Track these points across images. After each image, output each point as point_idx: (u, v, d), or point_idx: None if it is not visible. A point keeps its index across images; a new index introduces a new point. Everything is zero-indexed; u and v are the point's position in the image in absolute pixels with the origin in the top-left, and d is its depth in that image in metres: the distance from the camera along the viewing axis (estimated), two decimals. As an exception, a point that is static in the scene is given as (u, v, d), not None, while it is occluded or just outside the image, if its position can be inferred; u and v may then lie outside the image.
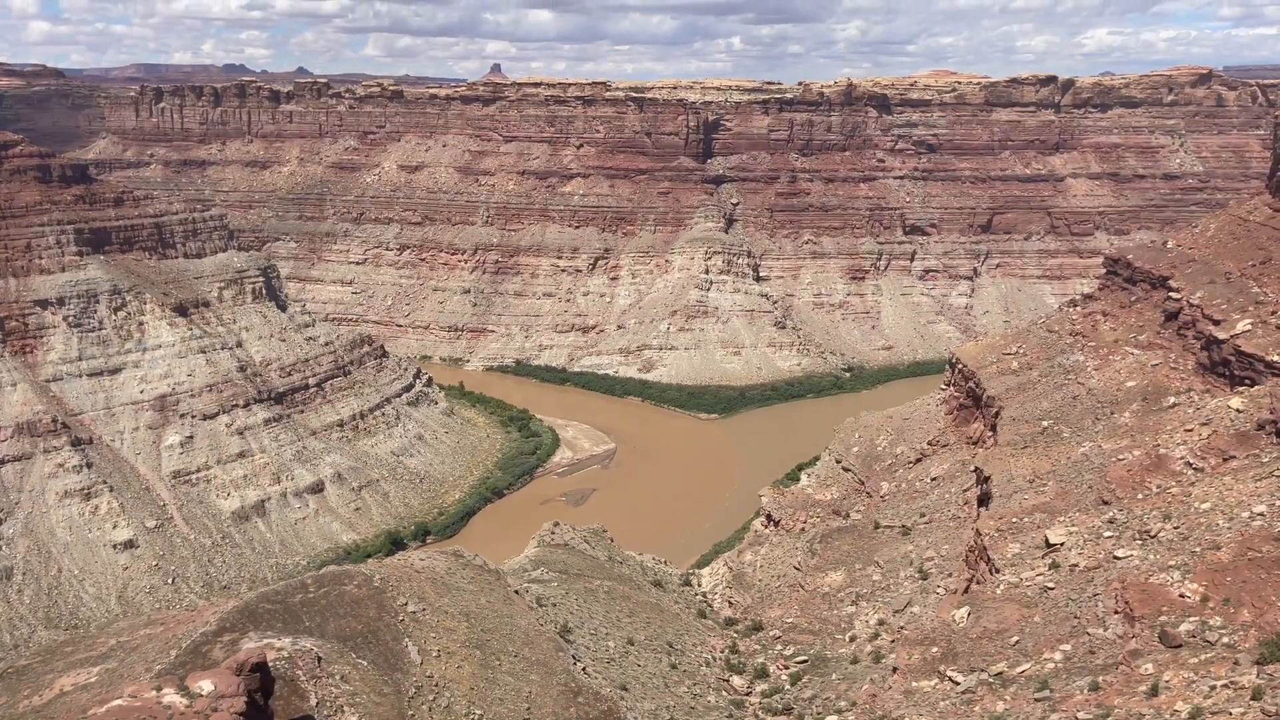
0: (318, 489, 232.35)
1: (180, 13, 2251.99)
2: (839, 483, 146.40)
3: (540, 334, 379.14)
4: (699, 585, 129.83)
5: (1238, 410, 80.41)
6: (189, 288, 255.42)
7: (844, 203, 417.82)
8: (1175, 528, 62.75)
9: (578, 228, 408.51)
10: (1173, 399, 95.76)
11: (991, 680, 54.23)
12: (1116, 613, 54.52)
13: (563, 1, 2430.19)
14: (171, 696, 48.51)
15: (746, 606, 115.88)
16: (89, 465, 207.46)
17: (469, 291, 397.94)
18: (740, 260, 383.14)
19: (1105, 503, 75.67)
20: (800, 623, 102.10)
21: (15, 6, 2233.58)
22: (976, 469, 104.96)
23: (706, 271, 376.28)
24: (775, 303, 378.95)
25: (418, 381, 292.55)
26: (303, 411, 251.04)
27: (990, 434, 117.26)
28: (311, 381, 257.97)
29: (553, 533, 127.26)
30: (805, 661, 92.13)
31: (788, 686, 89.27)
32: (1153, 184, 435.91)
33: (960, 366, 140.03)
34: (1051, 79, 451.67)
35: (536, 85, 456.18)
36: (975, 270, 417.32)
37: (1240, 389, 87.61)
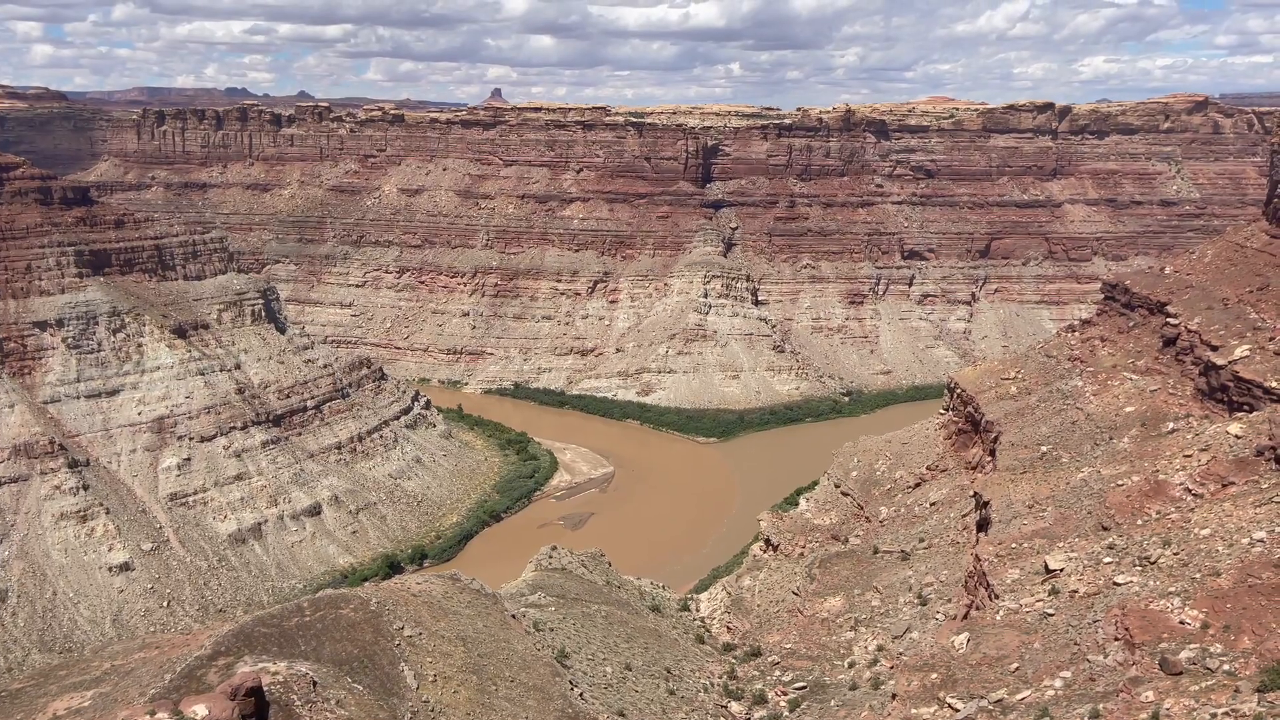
0: (315, 512, 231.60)
1: (183, 37, 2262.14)
2: (838, 507, 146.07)
3: (539, 357, 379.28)
4: (697, 610, 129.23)
5: (1236, 436, 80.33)
6: (188, 310, 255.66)
7: (842, 227, 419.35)
8: (1175, 554, 62.54)
9: (577, 251, 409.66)
10: (1171, 425, 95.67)
11: (991, 707, 53.86)
12: (1117, 639, 54.26)
13: (564, 27, 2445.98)
14: (165, 721, 48.19)
15: (745, 632, 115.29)
16: (86, 487, 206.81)
17: (468, 314, 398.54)
18: (739, 284, 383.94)
19: (1105, 528, 75.45)
20: (799, 648, 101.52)
21: (19, 30, 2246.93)
22: (975, 494, 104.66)
23: (705, 295, 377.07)
24: (774, 326, 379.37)
25: (416, 404, 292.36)
26: (300, 434, 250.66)
27: (989, 459, 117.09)
28: (310, 404, 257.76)
29: (550, 557, 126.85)
30: (804, 688, 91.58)
31: (786, 713, 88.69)
32: (1149, 210, 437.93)
33: (959, 391, 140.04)
34: (1049, 106, 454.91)
35: (537, 110, 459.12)
36: (973, 295, 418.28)
37: (1239, 415, 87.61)
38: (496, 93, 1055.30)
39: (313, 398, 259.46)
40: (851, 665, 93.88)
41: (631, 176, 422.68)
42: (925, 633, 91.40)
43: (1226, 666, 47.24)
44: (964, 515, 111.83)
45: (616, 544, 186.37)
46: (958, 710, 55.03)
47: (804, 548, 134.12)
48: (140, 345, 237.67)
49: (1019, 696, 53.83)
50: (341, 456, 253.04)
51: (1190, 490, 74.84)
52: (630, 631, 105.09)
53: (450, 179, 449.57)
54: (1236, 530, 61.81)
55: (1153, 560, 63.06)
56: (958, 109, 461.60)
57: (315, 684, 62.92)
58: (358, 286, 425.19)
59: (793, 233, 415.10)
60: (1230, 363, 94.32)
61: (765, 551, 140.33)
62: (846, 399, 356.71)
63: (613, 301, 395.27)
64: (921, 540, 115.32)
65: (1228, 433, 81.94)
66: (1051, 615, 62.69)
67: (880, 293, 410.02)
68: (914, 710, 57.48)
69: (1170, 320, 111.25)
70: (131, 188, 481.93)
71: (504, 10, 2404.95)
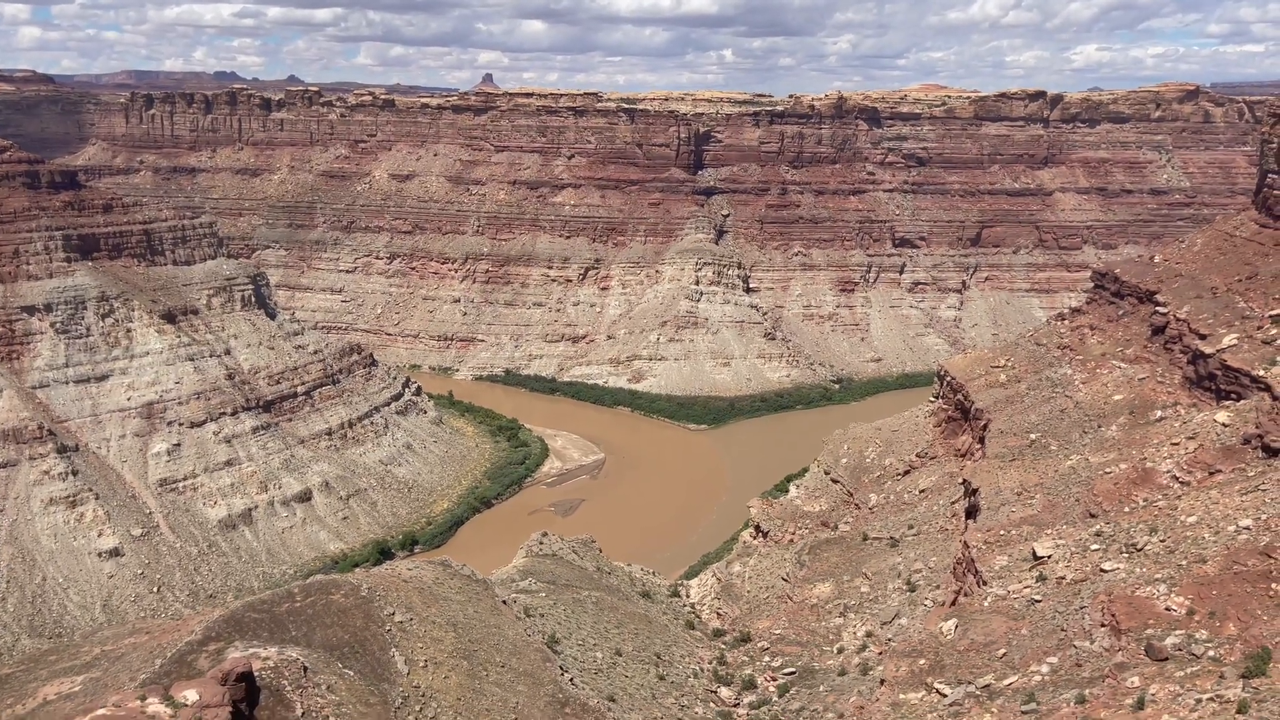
0: (305, 498, 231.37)
1: (172, 20, 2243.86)
2: (828, 494, 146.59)
3: (530, 344, 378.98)
4: (687, 596, 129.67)
5: (1224, 424, 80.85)
6: (178, 295, 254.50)
7: (834, 215, 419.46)
8: (1161, 541, 62.99)
9: (568, 238, 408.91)
10: (1159, 413, 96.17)
11: (979, 693, 54.26)
12: (1103, 625, 54.67)
13: (556, 13, 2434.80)
14: (156, 706, 48.25)
15: (735, 618, 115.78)
16: (75, 472, 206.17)
17: (459, 301, 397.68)
18: (730, 271, 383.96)
19: (1092, 516, 75.92)
20: (788, 634, 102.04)
21: (6, 12, 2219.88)
22: (964, 481, 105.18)
23: (697, 282, 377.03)
24: (765, 314, 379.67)
25: (407, 390, 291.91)
26: (291, 420, 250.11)
27: (978, 446, 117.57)
28: (300, 390, 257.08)
29: (541, 543, 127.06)
30: (793, 673, 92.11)
31: (775, 698, 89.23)
32: (1140, 199, 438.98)
33: (949, 379, 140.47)
34: (1040, 94, 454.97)
35: (528, 95, 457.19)
36: (964, 283, 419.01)
37: (1226, 403, 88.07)
38: (488, 78, 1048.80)
39: (303, 384, 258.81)
40: (840, 651, 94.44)
41: (623, 163, 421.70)
42: (914, 619, 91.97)
43: (1212, 653, 47.65)
44: (953, 502, 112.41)
45: (607, 530, 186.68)
46: (945, 695, 55.44)
47: (794, 534, 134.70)
48: (129, 330, 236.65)
49: (1006, 682, 54.24)
50: (332, 443, 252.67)
51: (1177, 478, 75.37)
52: (621, 617, 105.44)
53: (441, 165, 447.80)
54: (1223, 518, 62.26)
55: (1139, 547, 63.50)
56: (950, 97, 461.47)
57: (306, 669, 63.02)
58: (348, 272, 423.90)
59: (784, 220, 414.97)
60: (1218, 351, 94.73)
61: (755, 538, 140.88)
62: (837, 386, 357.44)
63: (604, 288, 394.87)
64: (911, 527, 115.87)
65: (1215, 421, 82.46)
66: (1039, 602, 63.14)
67: (871, 280, 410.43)
68: (902, 695, 57.90)
69: (1159, 309, 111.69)
70: (120, 172, 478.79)
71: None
